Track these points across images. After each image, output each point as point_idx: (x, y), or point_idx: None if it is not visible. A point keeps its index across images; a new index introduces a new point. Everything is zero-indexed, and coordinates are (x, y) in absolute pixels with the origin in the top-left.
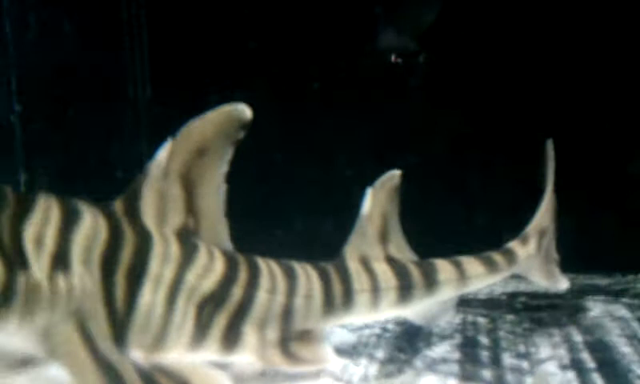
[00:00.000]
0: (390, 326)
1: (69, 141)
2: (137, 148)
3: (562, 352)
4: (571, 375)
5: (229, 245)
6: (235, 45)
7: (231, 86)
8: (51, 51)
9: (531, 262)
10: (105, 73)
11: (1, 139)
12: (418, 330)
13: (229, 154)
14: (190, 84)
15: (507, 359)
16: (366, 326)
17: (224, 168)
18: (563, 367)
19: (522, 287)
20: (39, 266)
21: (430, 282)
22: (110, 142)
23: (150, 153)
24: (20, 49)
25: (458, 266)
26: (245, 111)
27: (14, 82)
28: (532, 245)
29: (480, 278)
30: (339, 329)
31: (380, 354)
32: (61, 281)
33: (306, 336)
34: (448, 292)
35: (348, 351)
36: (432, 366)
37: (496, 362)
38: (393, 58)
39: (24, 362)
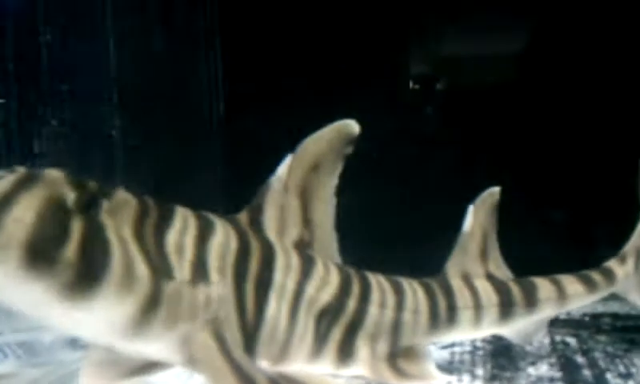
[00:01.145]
0: (479, 344)
1: (157, 154)
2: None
3: None
4: None
5: (338, 258)
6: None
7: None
8: (143, 69)
9: (630, 281)
10: (185, 90)
11: (102, 152)
12: (509, 348)
13: (339, 169)
14: (263, 101)
15: (612, 379)
16: (455, 344)
17: (335, 182)
18: None
19: (600, 308)
20: (181, 273)
21: (530, 300)
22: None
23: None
24: (120, 66)
25: (558, 284)
26: (353, 127)
27: (115, 97)
28: (630, 264)
29: (579, 297)
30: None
31: (480, 371)
32: (201, 289)
33: (412, 352)
34: (547, 311)
35: (446, 368)
36: (538, 383)
37: (601, 381)
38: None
39: (148, 369)
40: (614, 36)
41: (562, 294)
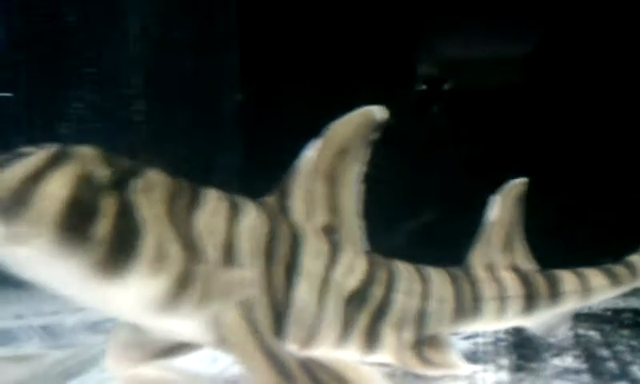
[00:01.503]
0: (502, 336)
1: (176, 139)
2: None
3: None
4: None
5: (365, 244)
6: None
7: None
8: (164, 58)
9: None
10: (203, 77)
11: (127, 136)
12: (532, 340)
13: (366, 155)
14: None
15: (638, 371)
16: (477, 335)
17: (362, 168)
18: None
19: (622, 304)
20: (213, 253)
21: (555, 292)
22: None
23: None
24: (142, 54)
25: (582, 277)
26: (381, 112)
27: (137, 82)
28: None
29: (603, 290)
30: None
31: (504, 361)
32: (232, 270)
33: (436, 341)
34: (571, 303)
35: (470, 358)
36: (563, 375)
37: (626, 373)
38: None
39: (172, 352)
40: (621, 37)
41: (585, 287)
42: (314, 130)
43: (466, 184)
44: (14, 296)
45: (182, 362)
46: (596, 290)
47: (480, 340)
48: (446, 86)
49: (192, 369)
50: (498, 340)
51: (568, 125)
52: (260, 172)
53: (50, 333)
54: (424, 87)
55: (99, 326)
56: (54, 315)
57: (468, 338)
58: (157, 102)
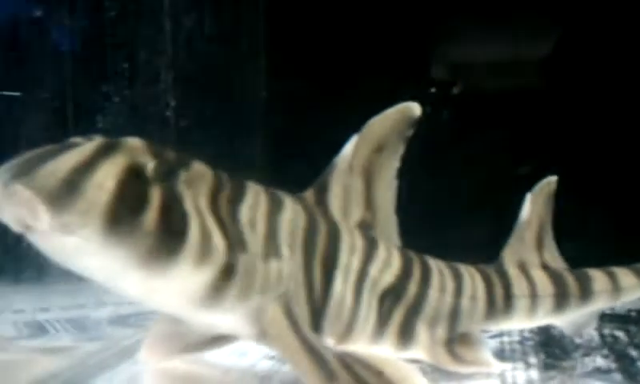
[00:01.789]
0: (528, 334)
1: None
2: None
3: None
4: None
5: (398, 241)
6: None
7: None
8: (193, 54)
9: None
10: (230, 75)
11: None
12: (558, 339)
13: (401, 151)
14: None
15: None
16: (503, 334)
17: (397, 164)
18: None
19: None
20: (254, 246)
21: (585, 291)
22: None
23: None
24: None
25: (612, 276)
26: (416, 109)
27: (169, 79)
28: None
29: (633, 289)
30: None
31: (533, 359)
32: (273, 263)
33: (468, 338)
34: (601, 302)
35: (498, 356)
36: (594, 374)
37: None
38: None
39: (206, 345)
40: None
41: (616, 286)
42: (336, 129)
43: (475, 186)
44: (37, 290)
45: (211, 355)
46: (626, 289)
47: (506, 339)
48: (456, 90)
49: (222, 363)
50: (524, 339)
51: (584, 127)
52: (284, 168)
53: (76, 326)
54: (433, 90)
55: (125, 319)
56: (80, 309)
57: (494, 336)
58: (186, 98)
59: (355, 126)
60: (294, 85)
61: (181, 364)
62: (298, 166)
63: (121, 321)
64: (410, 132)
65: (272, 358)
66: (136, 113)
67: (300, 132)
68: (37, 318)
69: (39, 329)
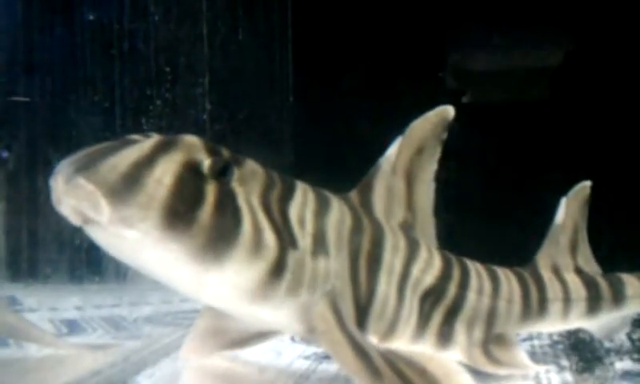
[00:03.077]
0: (557, 338)
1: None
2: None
3: None
4: None
5: (435, 242)
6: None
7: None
8: (228, 61)
9: None
10: (259, 80)
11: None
12: (588, 342)
13: (438, 154)
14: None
15: None
16: (532, 337)
17: (435, 166)
18: None
19: None
20: (304, 244)
21: (618, 296)
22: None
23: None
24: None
25: None
26: (451, 112)
27: (206, 83)
28: None
29: None
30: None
31: (565, 362)
32: (321, 260)
33: (504, 340)
34: (634, 307)
35: (530, 359)
36: (627, 376)
37: None
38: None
39: (244, 343)
40: None
41: None
42: (362, 135)
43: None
44: (65, 290)
45: (248, 354)
46: None
47: (536, 342)
48: (465, 99)
49: (258, 361)
50: (554, 342)
51: (594, 138)
52: (311, 171)
53: (111, 324)
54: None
55: (158, 319)
56: (113, 308)
57: (525, 339)
58: (219, 101)
59: (377, 132)
60: (318, 92)
61: (219, 362)
62: (322, 170)
63: (154, 320)
64: (446, 135)
65: (308, 357)
66: (170, 116)
67: (324, 138)
68: (73, 316)
69: (77, 327)
